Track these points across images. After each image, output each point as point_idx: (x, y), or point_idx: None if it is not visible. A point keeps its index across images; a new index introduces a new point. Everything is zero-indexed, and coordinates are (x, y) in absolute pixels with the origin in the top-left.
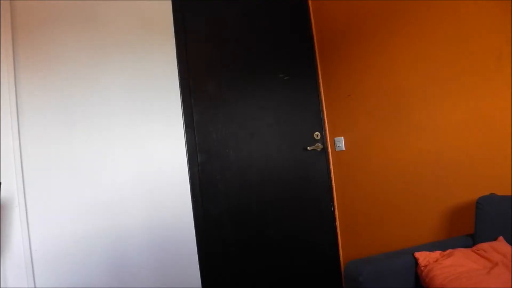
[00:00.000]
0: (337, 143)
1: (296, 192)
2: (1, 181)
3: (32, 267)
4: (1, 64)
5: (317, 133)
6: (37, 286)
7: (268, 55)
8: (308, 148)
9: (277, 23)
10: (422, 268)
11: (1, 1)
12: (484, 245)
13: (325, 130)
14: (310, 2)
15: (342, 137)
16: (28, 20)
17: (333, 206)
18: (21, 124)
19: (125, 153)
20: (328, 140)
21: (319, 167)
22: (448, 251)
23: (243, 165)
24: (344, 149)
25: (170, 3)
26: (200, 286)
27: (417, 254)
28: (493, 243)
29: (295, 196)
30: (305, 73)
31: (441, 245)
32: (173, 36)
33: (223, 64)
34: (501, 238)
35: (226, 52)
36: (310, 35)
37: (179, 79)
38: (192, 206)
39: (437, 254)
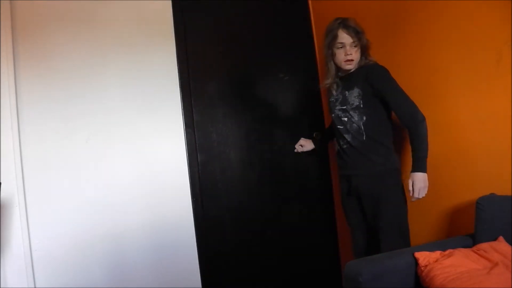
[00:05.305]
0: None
1: (296, 191)
2: (1, 181)
3: (32, 267)
4: (1, 64)
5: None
6: (37, 286)
7: (269, 54)
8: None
9: (278, 23)
10: (422, 268)
11: (1, 1)
12: (484, 245)
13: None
14: (310, 2)
15: None
16: (28, 20)
17: (333, 205)
18: (21, 124)
19: (125, 153)
20: None
21: (319, 167)
22: (448, 251)
23: (244, 165)
24: None
25: (170, 3)
26: (200, 286)
27: (417, 254)
28: (493, 243)
29: (295, 196)
30: (305, 72)
31: (441, 245)
32: (173, 36)
33: (223, 64)
34: (501, 238)
35: (226, 51)
36: (310, 34)
37: (179, 79)
38: (192, 206)
39: (437, 254)
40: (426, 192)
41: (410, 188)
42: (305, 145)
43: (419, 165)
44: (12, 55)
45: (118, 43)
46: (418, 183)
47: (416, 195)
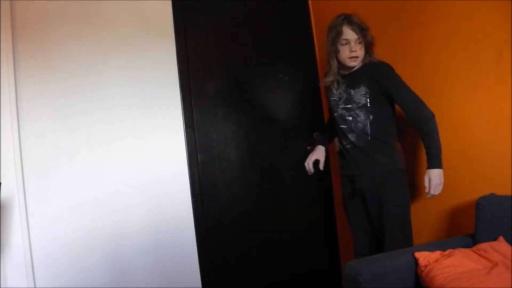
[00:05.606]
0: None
1: (296, 191)
2: (1, 181)
3: (32, 267)
4: (1, 64)
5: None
6: (37, 286)
7: (269, 54)
8: (308, 148)
9: (278, 23)
10: (422, 268)
11: (1, 1)
12: (484, 245)
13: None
14: (310, 2)
15: None
16: (28, 20)
17: (333, 205)
18: (21, 124)
19: (125, 153)
20: None
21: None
22: (448, 251)
23: (244, 165)
24: None
25: (170, 3)
26: (200, 286)
27: (417, 254)
28: (493, 243)
29: (295, 196)
30: (305, 72)
31: (441, 245)
32: (173, 36)
33: (223, 64)
34: (501, 238)
35: (226, 51)
36: (310, 34)
37: (179, 79)
38: (192, 206)
39: (437, 254)
40: (441, 188)
41: (426, 184)
42: (320, 158)
43: (434, 162)
44: (12, 55)
45: (118, 43)
46: (434, 180)
47: (432, 191)
